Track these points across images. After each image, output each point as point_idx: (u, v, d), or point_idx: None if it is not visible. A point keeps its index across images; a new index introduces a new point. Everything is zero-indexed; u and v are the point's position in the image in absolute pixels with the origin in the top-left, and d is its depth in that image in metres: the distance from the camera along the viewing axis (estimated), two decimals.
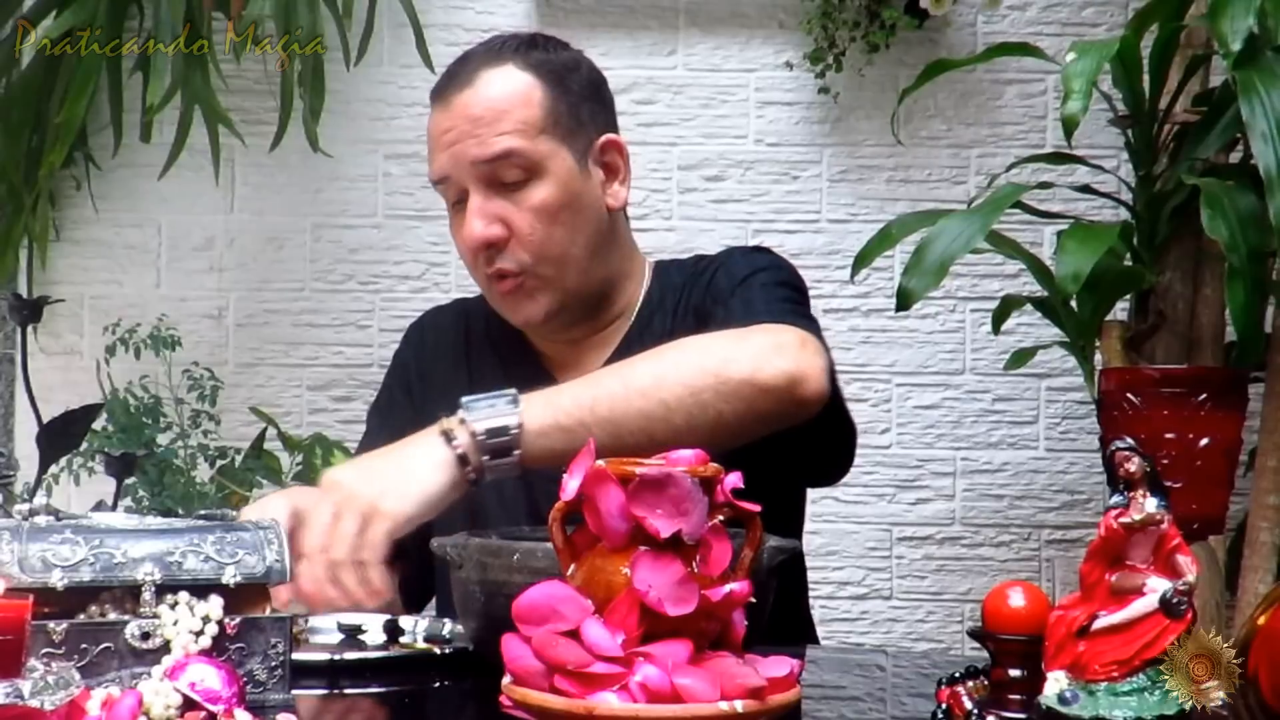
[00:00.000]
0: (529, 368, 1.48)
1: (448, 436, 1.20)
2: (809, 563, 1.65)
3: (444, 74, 1.46)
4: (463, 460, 1.19)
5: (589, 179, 1.44)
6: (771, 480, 1.43)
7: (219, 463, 2.33)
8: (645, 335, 1.47)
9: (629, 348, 1.46)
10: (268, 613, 0.83)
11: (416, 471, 1.19)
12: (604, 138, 1.46)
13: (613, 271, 1.48)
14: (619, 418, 1.21)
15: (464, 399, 1.22)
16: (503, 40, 1.47)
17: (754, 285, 1.43)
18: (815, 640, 1.56)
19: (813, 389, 1.26)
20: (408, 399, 1.55)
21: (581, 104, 1.44)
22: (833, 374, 1.31)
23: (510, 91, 1.40)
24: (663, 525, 0.76)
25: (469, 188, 1.40)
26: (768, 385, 1.24)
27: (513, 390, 1.23)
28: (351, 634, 1.19)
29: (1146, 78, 1.99)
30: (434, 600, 1.53)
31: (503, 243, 1.39)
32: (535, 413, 1.20)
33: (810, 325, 1.35)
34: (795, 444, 1.32)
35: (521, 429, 1.19)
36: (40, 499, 0.84)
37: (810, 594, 1.62)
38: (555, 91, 1.42)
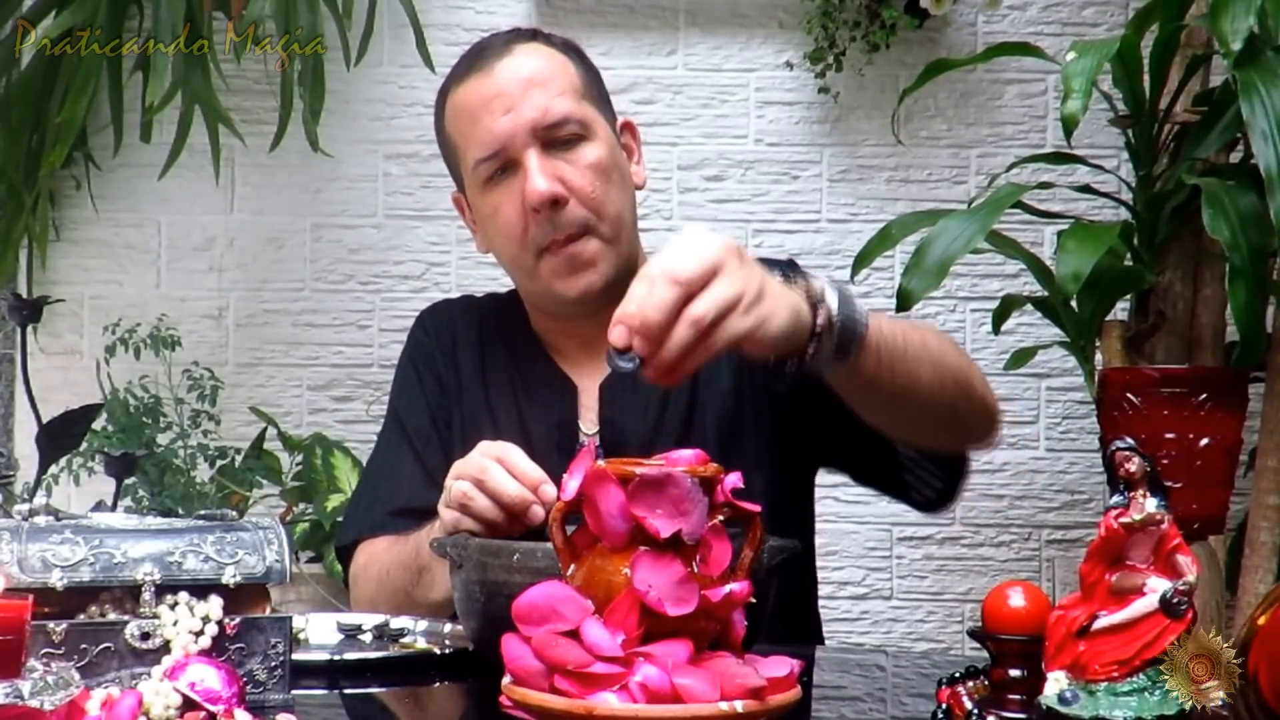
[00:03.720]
0: (541, 366, 1.47)
1: (810, 302, 1.09)
2: None
3: (467, 56, 1.45)
4: (814, 332, 1.09)
5: (622, 152, 1.46)
6: (785, 480, 1.44)
7: (219, 463, 2.33)
8: None
9: None
10: (268, 612, 0.83)
11: (796, 312, 1.07)
12: (621, 119, 1.49)
13: (635, 258, 1.47)
14: (914, 372, 1.18)
15: (810, 277, 1.11)
16: (512, 30, 1.48)
17: None
18: (821, 640, 1.56)
19: (1000, 430, 1.34)
20: (436, 382, 1.51)
21: (601, 83, 1.48)
22: None
23: (551, 60, 1.42)
24: (663, 525, 0.76)
25: (523, 153, 1.37)
26: (990, 409, 1.30)
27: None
28: (351, 634, 1.19)
29: (1147, 77, 2.00)
30: None
31: (564, 201, 1.37)
32: (874, 324, 1.13)
33: None
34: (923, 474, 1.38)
35: (866, 333, 1.11)
36: (40, 499, 0.84)
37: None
38: (582, 66, 1.45)
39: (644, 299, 1.00)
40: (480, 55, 1.42)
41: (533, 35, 1.45)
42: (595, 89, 1.45)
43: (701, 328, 1.00)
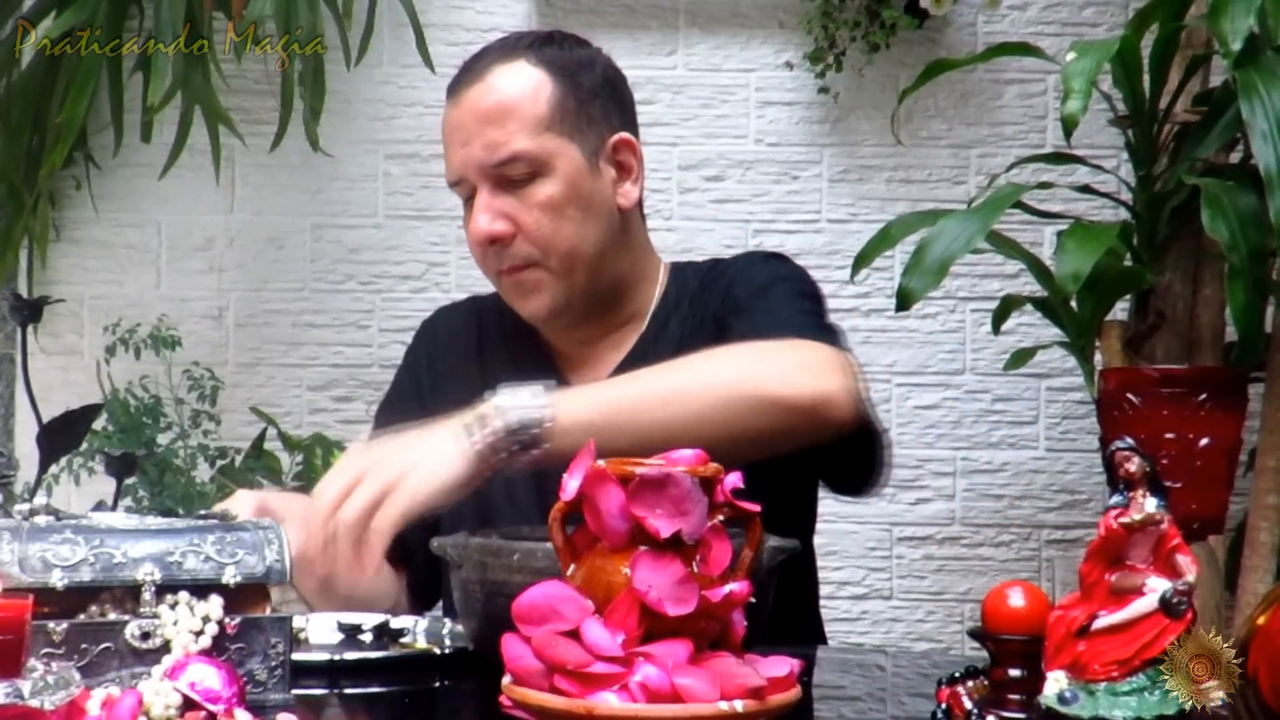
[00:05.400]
0: (541, 366, 1.48)
1: (480, 423, 1.18)
2: None
3: (462, 69, 1.46)
4: (490, 449, 1.18)
5: (599, 177, 1.43)
6: (785, 480, 1.44)
7: (219, 463, 2.33)
8: (660, 339, 1.46)
9: (644, 350, 1.46)
10: (268, 612, 0.83)
11: (444, 456, 1.17)
12: (616, 136, 1.45)
13: (624, 272, 1.47)
14: (645, 424, 1.20)
15: (500, 386, 1.21)
16: (519, 36, 1.47)
17: (774, 295, 1.43)
18: (824, 640, 1.56)
19: (840, 412, 1.26)
20: (416, 395, 1.54)
21: (592, 101, 1.44)
22: (862, 390, 1.30)
23: (519, 88, 1.40)
24: (663, 525, 0.76)
25: (476, 187, 1.41)
26: (796, 405, 1.24)
27: (550, 381, 1.22)
28: (351, 634, 1.19)
29: (1146, 78, 1.99)
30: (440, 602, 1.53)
31: (509, 238, 1.40)
32: (566, 408, 1.19)
33: (837, 340, 1.36)
34: (821, 457, 1.34)
35: (553, 423, 1.18)
36: (40, 499, 0.84)
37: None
38: (565, 88, 1.42)
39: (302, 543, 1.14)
40: (465, 74, 1.44)
41: (527, 50, 1.43)
42: (574, 115, 1.42)
43: (341, 533, 1.14)
